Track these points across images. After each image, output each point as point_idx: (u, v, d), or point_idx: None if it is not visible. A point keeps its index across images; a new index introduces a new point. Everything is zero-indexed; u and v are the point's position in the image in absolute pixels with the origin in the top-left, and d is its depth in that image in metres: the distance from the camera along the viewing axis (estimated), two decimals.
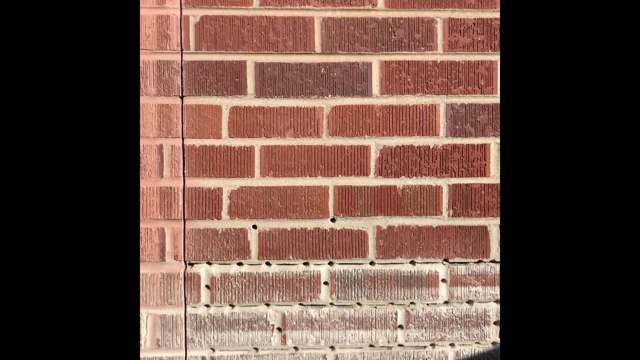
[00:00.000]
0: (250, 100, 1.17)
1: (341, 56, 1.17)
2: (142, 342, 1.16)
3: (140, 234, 1.16)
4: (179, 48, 1.15)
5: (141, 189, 1.15)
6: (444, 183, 1.19)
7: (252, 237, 1.18)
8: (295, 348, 1.20)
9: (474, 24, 1.18)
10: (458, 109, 1.18)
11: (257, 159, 1.17)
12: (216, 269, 1.18)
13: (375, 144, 1.18)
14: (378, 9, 1.16)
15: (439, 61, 1.18)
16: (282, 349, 1.19)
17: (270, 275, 1.18)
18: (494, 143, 1.19)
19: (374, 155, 1.18)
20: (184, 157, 1.16)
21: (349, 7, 1.16)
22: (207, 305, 1.17)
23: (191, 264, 1.17)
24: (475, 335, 1.22)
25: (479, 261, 1.21)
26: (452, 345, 1.21)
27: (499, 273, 1.20)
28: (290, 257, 1.18)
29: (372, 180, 1.18)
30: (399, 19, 1.17)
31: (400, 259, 1.19)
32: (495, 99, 1.18)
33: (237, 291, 1.17)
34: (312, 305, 1.20)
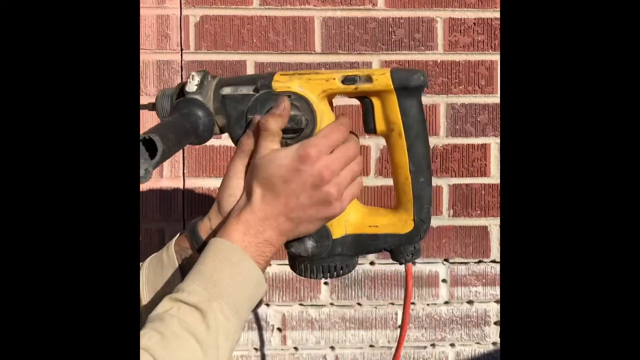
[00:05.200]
0: None
1: (341, 56, 1.17)
2: None
3: (140, 235, 1.16)
4: (179, 48, 1.15)
5: (141, 189, 1.15)
6: (444, 183, 1.19)
7: None
8: (295, 348, 1.20)
9: (474, 23, 1.18)
10: (458, 109, 1.18)
11: None
12: None
13: (375, 144, 1.18)
14: (378, 8, 1.16)
15: (439, 61, 1.18)
16: (282, 349, 1.19)
17: (270, 275, 1.18)
18: (494, 143, 1.19)
19: (374, 155, 1.18)
20: (183, 157, 1.16)
21: (349, 6, 1.16)
22: None
23: None
24: (475, 336, 1.21)
25: (479, 261, 1.21)
26: (452, 345, 1.21)
27: (499, 273, 1.20)
28: None
29: (372, 180, 1.18)
30: (399, 19, 1.17)
31: None
32: (495, 98, 1.18)
33: None
34: (312, 305, 1.20)
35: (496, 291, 1.21)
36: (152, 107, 0.71)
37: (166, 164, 1.16)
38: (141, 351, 0.57)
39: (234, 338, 0.63)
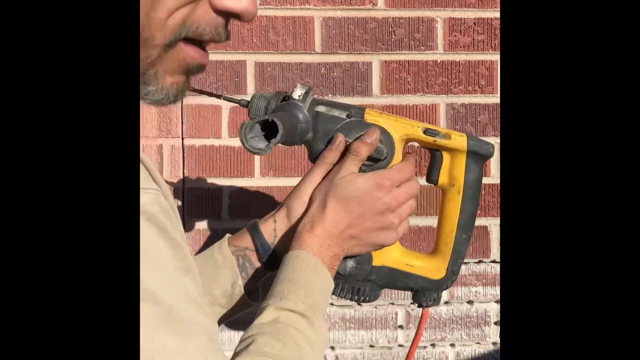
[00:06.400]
0: None
1: (341, 56, 1.17)
2: None
3: None
4: None
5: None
6: None
7: None
8: None
9: (474, 23, 1.18)
10: (458, 109, 1.18)
11: (257, 158, 1.17)
12: None
13: None
14: (378, 8, 1.16)
15: (439, 61, 1.18)
16: None
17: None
18: (494, 143, 1.19)
19: None
20: (183, 157, 1.16)
21: (349, 6, 1.16)
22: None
23: None
24: (475, 336, 1.21)
25: (479, 261, 1.21)
26: (452, 345, 1.21)
27: (499, 273, 1.20)
28: None
29: None
30: (399, 19, 1.17)
31: None
32: (495, 98, 1.18)
33: None
34: None
35: (496, 291, 1.21)
36: (245, 104, 0.75)
37: (166, 164, 1.16)
38: (266, 359, 0.60)
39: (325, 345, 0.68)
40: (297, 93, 0.74)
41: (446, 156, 0.77)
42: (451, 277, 0.79)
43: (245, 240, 0.77)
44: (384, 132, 0.74)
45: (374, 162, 0.74)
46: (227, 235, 0.79)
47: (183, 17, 0.54)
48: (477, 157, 0.77)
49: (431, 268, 0.79)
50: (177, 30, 0.54)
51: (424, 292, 0.79)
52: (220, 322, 0.78)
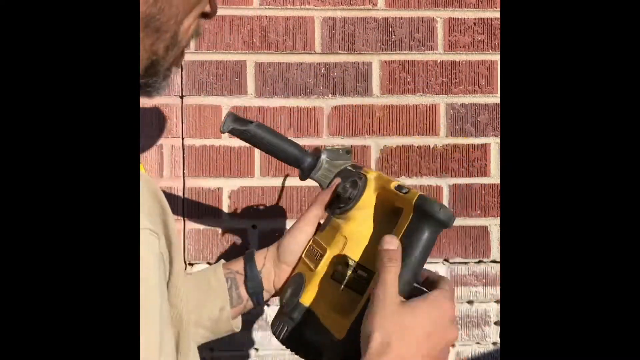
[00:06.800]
0: (250, 100, 1.16)
1: (341, 56, 1.17)
2: None
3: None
4: None
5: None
6: (444, 183, 1.19)
7: (252, 237, 1.18)
8: None
9: (475, 23, 1.18)
10: (458, 109, 1.18)
11: (257, 159, 1.17)
12: None
13: (375, 144, 1.18)
14: (378, 8, 1.16)
15: (439, 61, 1.18)
16: (282, 349, 1.19)
17: None
18: (494, 143, 1.19)
19: (374, 155, 1.18)
20: (183, 157, 1.16)
21: (349, 6, 1.16)
22: None
23: (191, 264, 1.17)
24: (475, 336, 1.21)
25: (479, 261, 1.21)
26: (452, 345, 1.21)
27: (499, 273, 1.20)
28: None
29: None
30: (399, 19, 1.17)
31: None
32: (495, 98, 1.18)
33: None
34: None
35: (496, 291, 1.21)
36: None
37: (166, 164, 1.16)
38: None
39: None
40: (336, 146, 0.85)
41: (403, 213, 0.69)
42: (348, 345, 0.66)
43: (238, 265, 0.79)
44: (364, 180, 0.76)
45: (344, 202, 0.76)
46: (222, 260, 0.82)
47: (198, 24, 0.64)
48: (425, 217, 0.66)
49: (337, 321, 0.69)
50: (194, 35, 0.64)
51: (321, 354, 0.70)
52: (200, 343, 0.78)
